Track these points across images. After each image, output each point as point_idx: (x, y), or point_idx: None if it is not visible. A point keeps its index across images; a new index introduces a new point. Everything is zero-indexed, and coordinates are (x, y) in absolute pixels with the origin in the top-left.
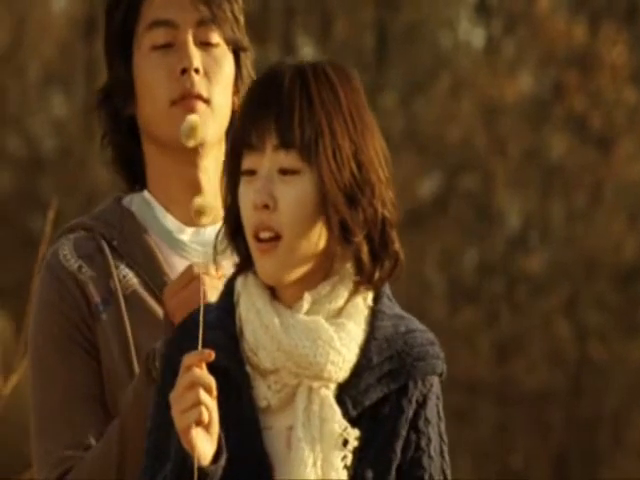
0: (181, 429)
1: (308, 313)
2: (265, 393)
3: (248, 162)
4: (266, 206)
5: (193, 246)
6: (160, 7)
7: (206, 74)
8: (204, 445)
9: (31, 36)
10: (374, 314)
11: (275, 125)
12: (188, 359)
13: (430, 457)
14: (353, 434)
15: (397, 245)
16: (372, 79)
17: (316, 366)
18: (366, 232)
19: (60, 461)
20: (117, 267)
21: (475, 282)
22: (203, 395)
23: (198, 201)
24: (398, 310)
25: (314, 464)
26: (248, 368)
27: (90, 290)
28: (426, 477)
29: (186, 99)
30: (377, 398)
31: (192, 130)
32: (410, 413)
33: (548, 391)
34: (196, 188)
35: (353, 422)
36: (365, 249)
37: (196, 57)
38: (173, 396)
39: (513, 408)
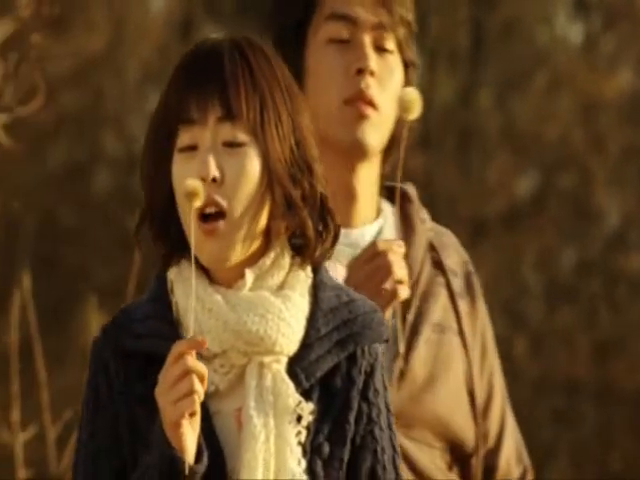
0: (172, 422)
1: (251, 290)
2: (212, 377)
3: (187, 137)
4: (214, 179)
5: (340, 247)
6: (341, 0)
7: (379, 79)
8: (191, 439)
9: (129, 37)
10: (316, 285)
11: (219, 96)
12: (179, 346)
13: (381, 429)
14: (307, 409)
15: (336, 220)
16: (467, 77)
17: (267, 340)
18: (308, 209)
19: None
20: None
21: (573, 282)
22: (197, 384)
23: (191, 183)
24: (336, 281)
25: (266, 440)
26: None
27: None
28: (379, 449)
29: (358, 101)
30: (328, 368)
31: (411, 103)
32: (360, 384)
33: None
34: (351, 195)
35: (305, 395)
36: (310, 224)
37: (373, 59)
38: (162, 388)
39: (613, 409)
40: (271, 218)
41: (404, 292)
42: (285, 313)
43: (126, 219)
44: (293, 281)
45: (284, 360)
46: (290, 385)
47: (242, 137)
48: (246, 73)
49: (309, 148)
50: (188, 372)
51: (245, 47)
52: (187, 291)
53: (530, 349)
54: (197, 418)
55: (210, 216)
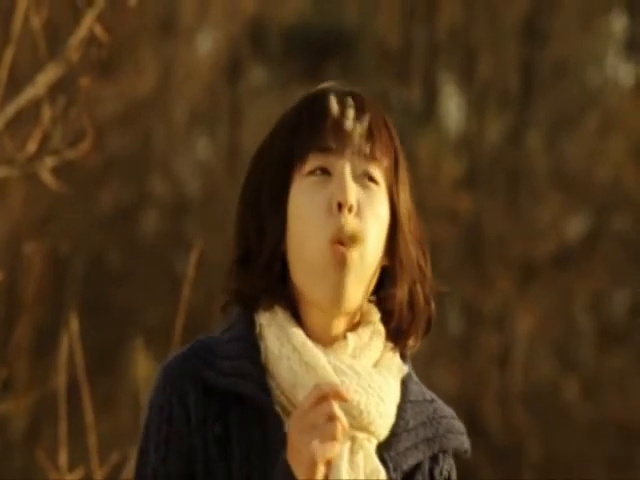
0: (310, 462)
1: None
2: None
3: (318, 161)
4: (350, 208)
5: None
6: None
7: None
8: None
9: (177, 80)
10: (406, 374)
11: (360, 131)
12: (323, 389)
13: None
14: None
15: (433, 311)
16: (517, 118)
17: (366, 416)
18: (419, 283)
19: None
20: None
21: (626, 324)
22: (340, 433)
23: (352, 225)
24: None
25: None
26: (277, 408)
27: None
28: None
29: None
30: (413, 463)
31: None
32: None
33: None
34: None
35: None
36: (422, 297)
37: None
38: (301, 426)
39: None
40: (392, 285)
41: None
42: (384, 393)
43: (173, 261)
44: (388, 362)
45: (374, 442)
46: (382, 470)
47: (377, 175)
48: (384, 122)
49: (418, 223)
50: (333, 418)
51: (380, 105)
52: (282, 338)
53: (582, 393)
54: (323, 469)
55: (342, 243)
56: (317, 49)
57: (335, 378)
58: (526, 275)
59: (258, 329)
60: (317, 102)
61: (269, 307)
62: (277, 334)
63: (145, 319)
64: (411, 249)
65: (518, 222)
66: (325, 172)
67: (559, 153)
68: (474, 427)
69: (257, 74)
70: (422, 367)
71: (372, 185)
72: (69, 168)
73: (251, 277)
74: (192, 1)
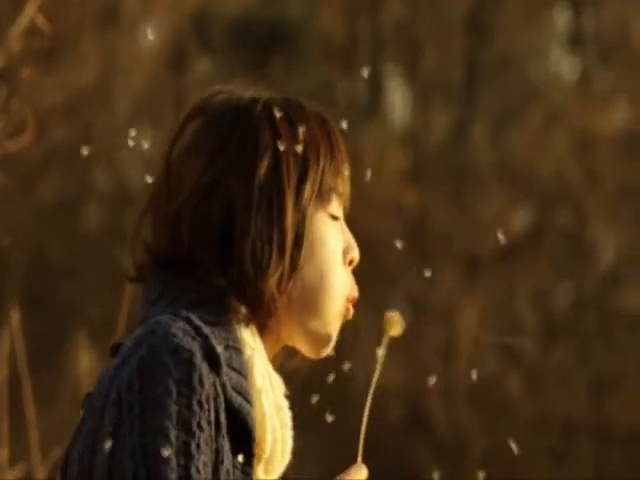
0: None
1: None
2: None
3: (337, 205)
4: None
5: None
6: None
7: None
8: None
9: (120, 71)
10: None
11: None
12: (365, 472)
13: None
14: None
15: None
16: (461, 112)
17: (284, 466)
18: None
19: None
20: None
21: (568, 318)
22: None
23: (391, 314)
24: None
25: None
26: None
27: None
28: None
29: None
30: None
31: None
32: None
33: None
34: None
35: None
36: None
37: None
38: None
39: (610, 448)
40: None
41: None
42: None
43: (117, 254)
44: None
45: None
46: None
47: None
48: None
49: None
50: None
51: None
52: (262, 369)
53: (525, 387)
54: None
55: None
56: (262, 41)
57: (287, 427)
58: (470, 269)
59: (242, 344)
60: (335, 136)
61: (247, 323)
62: (262, 361)
63: (88, 313)
64: None
65: (463, 217)
66: (336, 218)
67: (503, 147)
68: (418, 422)
69: (202, 66)
70: (367, 362)
71: None
72: (10, 160)
73: (254, 287)
74: None
